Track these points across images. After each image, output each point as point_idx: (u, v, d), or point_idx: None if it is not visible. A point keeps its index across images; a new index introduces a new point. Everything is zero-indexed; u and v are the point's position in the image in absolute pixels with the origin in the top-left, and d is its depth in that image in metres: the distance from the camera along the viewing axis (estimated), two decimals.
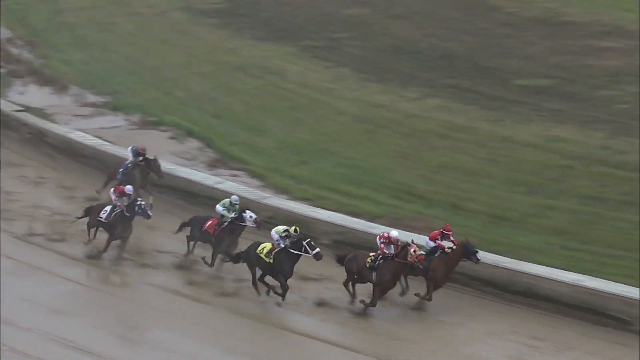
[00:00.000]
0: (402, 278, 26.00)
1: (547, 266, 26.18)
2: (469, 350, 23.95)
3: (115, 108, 38.75)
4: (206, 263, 27.81)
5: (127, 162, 31.31)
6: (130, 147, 31.72)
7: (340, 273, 26.15)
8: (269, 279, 26.40)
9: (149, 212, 28.22)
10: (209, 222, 28.19)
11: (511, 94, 37.83)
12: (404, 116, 36.78)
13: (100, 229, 28.70)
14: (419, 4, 47.20)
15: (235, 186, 31.57)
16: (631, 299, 24.64)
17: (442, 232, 26.14)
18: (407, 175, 32.69)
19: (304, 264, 26.17)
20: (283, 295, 26.08)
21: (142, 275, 27.62)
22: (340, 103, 38.23)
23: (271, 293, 26.28)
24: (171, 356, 23.88)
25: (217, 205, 28.36)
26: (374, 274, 25.61)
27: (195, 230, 28.38)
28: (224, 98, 39.43)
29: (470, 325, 24.97)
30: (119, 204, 28.39)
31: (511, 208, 30.54)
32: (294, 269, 26.16)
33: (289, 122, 36.97)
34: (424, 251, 25.65)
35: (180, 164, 33.63)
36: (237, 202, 28.22)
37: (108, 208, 28.62)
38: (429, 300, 25.74)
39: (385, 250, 25.62)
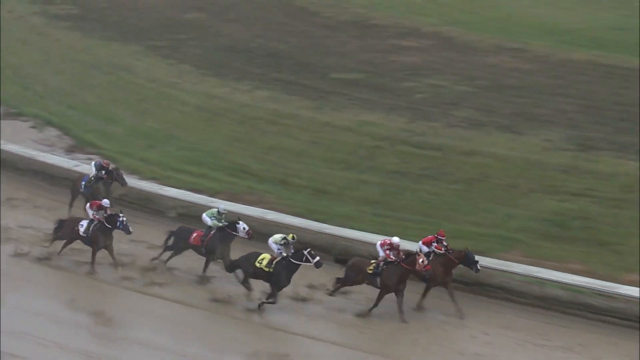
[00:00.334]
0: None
1: (361, 231, 26.63)
2: None
3: None
4: (155, 259, 26.33)
5: (90, 175, 29.00)
6: (93, 162, 29.54)
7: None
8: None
9: (129, 228, 26.08)
10: (194, 235, 26.09)
11: (329, 86, 38.08)
12: (237, 106, 36.77)
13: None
14: (249, 9, 47.24)
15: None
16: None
17: (436, 237, 24.74)
18: (241, 156, 32.73)
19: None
20: (273, 302, 24.36)
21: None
22: (182, 95, 38.03)
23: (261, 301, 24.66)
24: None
25: (204, 215, 26.25)
26: (378, 279, 24.11)
27: (180, 242, 26.26)
28: (78, 92, 38.84)
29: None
30: (97, 217, 26.27)
31: (330, 182, 30.75)
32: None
33: (138, 112, 36.64)
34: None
35: (41, 150, 33.06)
36: (225, 212, 26.30)
37: (84, 222, 26.42)
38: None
39: (391, 257, 24.11)
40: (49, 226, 27.27)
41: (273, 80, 38.65)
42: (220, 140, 34.10)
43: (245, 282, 24.99)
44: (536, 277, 24.86)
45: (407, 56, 40.56)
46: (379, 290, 24.11)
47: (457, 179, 30.74)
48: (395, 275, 23.90)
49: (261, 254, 24.73)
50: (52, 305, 24.81)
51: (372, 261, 24.33)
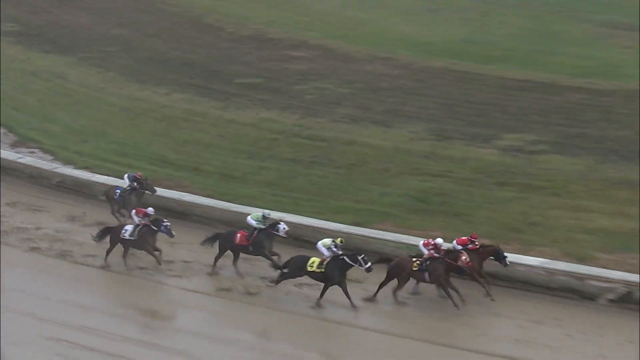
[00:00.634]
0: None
1: (262, 208, 26.39)
2: None
3: None
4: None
5: (126, 186, 27.48)
6: (126, 175, 27.84)
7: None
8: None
9: (172, 231, 24.75)
10: (238, 235, 24.75)
11: (233, 89, 37.94)
12: (157, 106, 36.48)
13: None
14: (165, 26, 46.87)
15: (32, 160, 30.98)
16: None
17: (469, 239, 23.57)
18: (160, 148, 32.54)
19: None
20: (349, 299, 22.76)
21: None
22: (110, 98, 37.58)
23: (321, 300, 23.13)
24: None
25: (249, 219, 25.00)
26: (426, 274, 22.94)
27: (227, 245, 24.80)
28: (21, 96, 38.08)
29: None
30: (142, 222, 24.95)
31: (236, 169, 30.74)
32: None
33: (72, 112, 36.12)
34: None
35: None
36: (269, 216, 25.11)
37: (128, 227, 25.03)
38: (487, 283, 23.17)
39: (434, 254, 22.95)
40: None
41: (186, 84, 38.42)
42: (143, 135, 33.82)
43: (279, 280, 23.66)
44: (404, 243, 25.07)
45: (298, 64, 40.59)
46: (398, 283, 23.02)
47: (340, 164, 30.91)
48: (442, 269, 22.78)
49: (309, 258, 23.33)
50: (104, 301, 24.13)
51: (414, 259, 23.17)
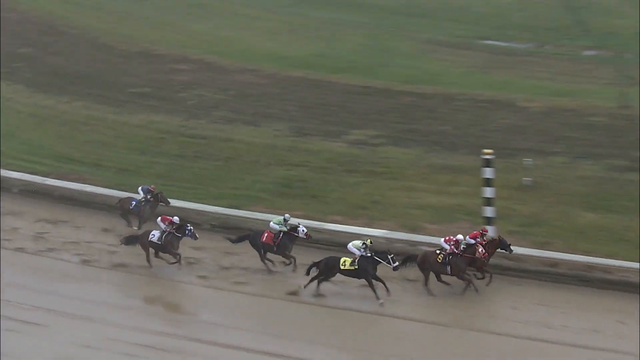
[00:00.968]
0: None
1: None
2: None
3: None
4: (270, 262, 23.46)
5: (140, 197, 25.79)
6: (140, 187, 26.16)
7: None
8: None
9: (196, 234, 23.60)
10: (265, 235, 23.60)
11: (126, 97, 37.01)
12: (60, 113, 35.22)
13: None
14: (65, 45, 45.15)
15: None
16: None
17: (481, 232, 22.36)
18: (65, 148, 31.63)
19: None
20: (386, 289, 21.65)
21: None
22: (18, 106, 36.11)
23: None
24: None
25: (272, 223, 23.76)
26: (448, 268, 21.81)
27: (257, 241, 23.59)
28: None
29: None
30: (168, 229, 23.68)
31: (130, 164, 30.21)
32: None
33: None
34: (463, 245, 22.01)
35: None
36: (289, 219, 23.85)
37: (155, 233, 23.67)
38: (482, 278, 22.16)
39: (454, 250, 21.85)
40: None
41: (85, 94, 37.21)
42: (49, 137, 32.82)
43: (316, 280, 22.36)
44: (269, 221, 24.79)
45: (180, 76, 39.88)
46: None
47: (218, 158, 30.65)
48: (463, 263, 21.77)
49: (340, 258, 22.10)
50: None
51: (438, 252, 21.98)
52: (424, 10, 48.00)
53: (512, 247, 22.22)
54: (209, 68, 40.92)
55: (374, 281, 21.83)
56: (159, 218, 24.18)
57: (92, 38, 45.53)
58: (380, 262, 21.71)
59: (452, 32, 43.90)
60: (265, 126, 33.44)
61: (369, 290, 22.04)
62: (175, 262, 23.84)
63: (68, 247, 25.11)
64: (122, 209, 26.17)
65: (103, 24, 46.98)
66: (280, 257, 23.82)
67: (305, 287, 22.51)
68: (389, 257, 21.67)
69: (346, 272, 22.03)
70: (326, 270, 22.13)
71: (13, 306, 22.31)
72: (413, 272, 22.54)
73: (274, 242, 23.50)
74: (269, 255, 23.94)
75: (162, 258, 24.13)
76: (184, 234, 23.60)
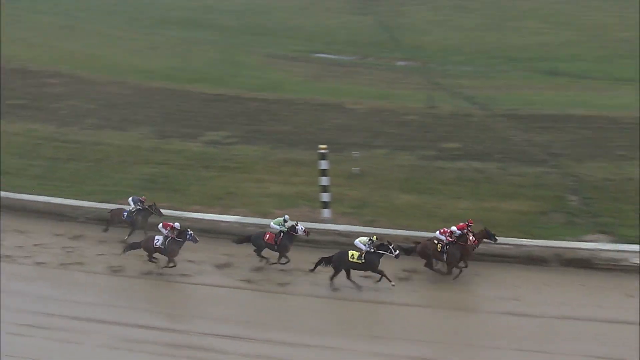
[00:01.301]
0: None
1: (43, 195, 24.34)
2: None
3: None
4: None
5: (131, 208, 23.10)
6: (130, 198, 23.43)
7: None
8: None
9: (196, 238, 21.25)
10: (267, 235, 21.51)
11: (5, 109, 34.36)
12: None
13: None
14: None
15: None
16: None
17: (467, 224, 20.64)
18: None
19: None
20: (388, 280, 19.94)
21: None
22: None
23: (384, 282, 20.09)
24: None
25: (272, 223, 21.71)
26: (444, 256, 20.43)
27: (260, 242, 21.49)
28: None
29: None
30: (169, 235, 21.30)
31: (10, 167, 28.07)
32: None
33: None
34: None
35: None
36: (288, 219, 21.68)
37: (159, 238, 21.33)
38: (465, 267, 20.58)
39: (450, 239, 20.39)
40: None
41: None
42: None
43: (333, 277, 20.51)
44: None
45: (53, 89, 37.74)
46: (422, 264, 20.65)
47: (90, 160, 29.11)
48: (458, 251, 20.42)
49: (348, 251, 20.30)
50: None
51: (436, 242, 20.59)
52: (265, 30, 48.37)
53: (496, 237, 20.63)
54: (79, 81, 38.98)
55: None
56: (160, 224, 21.82)
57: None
58: (384, 253, 20.25)
59: (290, 47, 44.29)
60: (131, 130, 32.05)
61: (369, 281, 20.64)
62: (172, 266, 21.62)
63: None
64: (112, 219, 23.41)
65: None
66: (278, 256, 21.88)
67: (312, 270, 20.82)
68: (390, 247, 20.32)
69: (354, 265, 20.42)
70: (339, 264, 20.41)
71: None
72: (407, 264, 21.08)
73: (275, 242, 21.67)
74: (265, 254, 21.88)
75: (154, 261, 21.81)
76: (185, 239, 21.43)
